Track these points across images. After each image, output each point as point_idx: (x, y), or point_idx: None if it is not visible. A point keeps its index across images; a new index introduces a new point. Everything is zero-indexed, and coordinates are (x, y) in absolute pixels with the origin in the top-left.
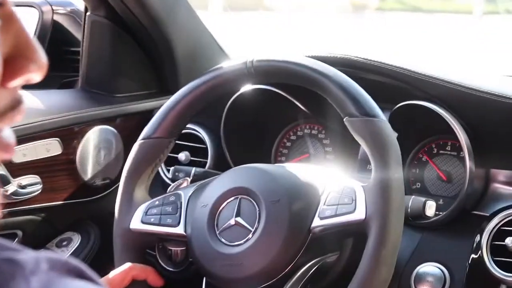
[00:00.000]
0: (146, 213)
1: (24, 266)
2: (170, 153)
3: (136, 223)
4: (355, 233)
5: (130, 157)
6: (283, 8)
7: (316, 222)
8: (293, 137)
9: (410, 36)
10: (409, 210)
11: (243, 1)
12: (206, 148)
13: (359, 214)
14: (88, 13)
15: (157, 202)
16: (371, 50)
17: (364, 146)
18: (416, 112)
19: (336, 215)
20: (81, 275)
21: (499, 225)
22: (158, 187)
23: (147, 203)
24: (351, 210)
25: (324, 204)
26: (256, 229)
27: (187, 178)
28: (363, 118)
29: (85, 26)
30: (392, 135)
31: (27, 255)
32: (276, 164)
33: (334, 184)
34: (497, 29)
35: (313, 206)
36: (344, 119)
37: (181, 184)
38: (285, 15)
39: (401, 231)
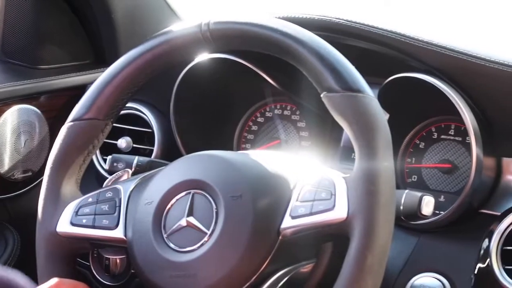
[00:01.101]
0: (76, 213)
1: None
2: (107, 138)
3: (64, 226)
4: (334, 236)
5: (56, 143)
6: None
7: (287, 222)
8: (260, 119)
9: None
10: (401, 207)
11: None
12: (152, 132)
13: (340, 212)
14: None
15: (90, 200)
16: (358, 13)
17: (346, 128)
18: (412, 88)
19: (311, 214)
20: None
21: None
22: (91, 181)
23: (77, 201)
24: (329, 207)
25: (297, 200)
26: (213, 231)
27: (128, 169)
28: (344, 93)
29: None
30: (380, 114)
31: None
32: (237, 152)
33: (309, 176)
34: None
35: (283, 202)
36: (322, 95)
37: (120, 176)
38: None
39: (391, 232)
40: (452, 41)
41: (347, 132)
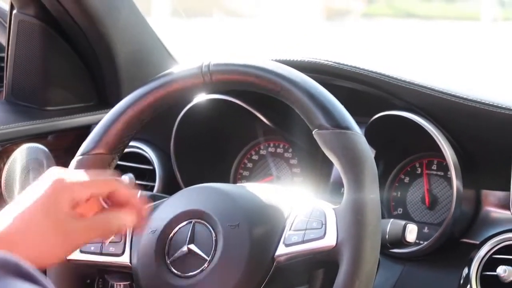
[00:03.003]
0: None
1: None
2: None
3: (73, 252)
4: (325, 262)
5: None
6: (249, 13)
7: (281, 250)
8: (255, 157)
9: (403, 46)
10: (387, 236)
11: (199, 5)
12: (154, 169)
13: (329, 240)
14: (14, 12)
15: None
16: (345, 55)
17: (335, 162)
18: (396, 125)
19: (303, 242)
20: (30, 278)
21: (490, 253)
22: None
23: None
24: (320, 235)
25: (290, 229)
26: (213, 257)
27: None
28: (334, 130)
29: (11, 27)
30: (367, 149)
31: None
32: (235, 184)
33: (301, 207)
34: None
35: (278, 231)
36: (313, 132)
37: None
38: (250, 20)
39: (377, 259)
40: (432, 81)
41: (337, 166)
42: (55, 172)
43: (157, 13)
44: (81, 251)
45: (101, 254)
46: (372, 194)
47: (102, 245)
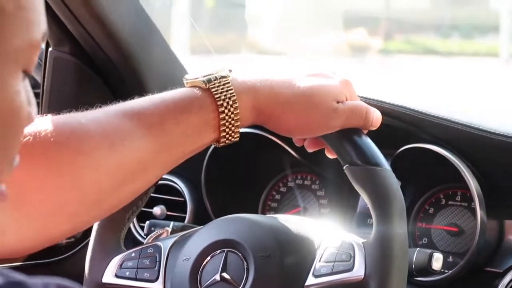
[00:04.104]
0: (120, 266)
1: None
2: (144, 207)
3: (109, 277)
4: None
5: None
6: (282, 51)
7: (311, 280)
8: (282, 189)
9: (421, 83)
10: (413, 265)
11: (232, 42)
12: (185, 201)
13: (358, 272)
14: (50, 49)
15: (133, 254)
16: (370, 91)
17: (364, 197)
18: (421, 157)
19: (332, 273)
20: None
21: None
22: (129, 245)
23: (121, 255)
24: (349, 267)
25: (320, 260)
26: (244, 285)
27: (167, 228)
28: (364, 166)
29: (47, 64)
30: (396, 186)
31: (37, 280)
32: (267, 215)
33: (331, 239)
34: None
35: (308, 262)
36: (344, 167)
37: (160, 234)
38: (279, 59)
39: None
40: (455, 114)
41: (366, 201)
42: None
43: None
44: (117, 276)
45: (135, 279)
46: (400, 229)
47: (137, 270)
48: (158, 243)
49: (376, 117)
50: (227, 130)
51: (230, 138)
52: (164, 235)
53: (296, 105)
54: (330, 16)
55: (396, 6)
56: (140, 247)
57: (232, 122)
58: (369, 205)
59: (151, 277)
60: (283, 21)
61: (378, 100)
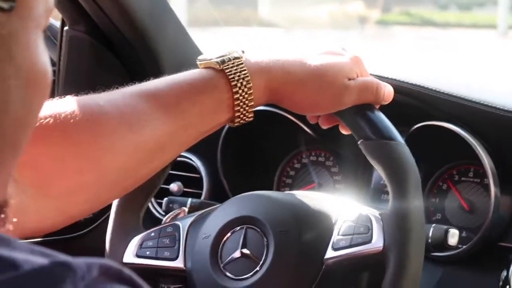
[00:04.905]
0: (141, 245)
1: (76, 271)
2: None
3: (130, 257)
4: (371, 266)
5: None
6: (280, 24)
7: (330, 254)
8: (297, 165)
9: (419, 54)
10: (429, 240)
11: (234, 16)
12: (201, 178)
13: (376, 244)
14: (65, 28)
15: (152, 234)
16: (382, 67)
17: (380, 172)
18: (435, 135)
19: (351, 246)
20: (132, 285)
21: None
22: (147, 222)
23: (141, 235)
24: (367, 240)
25: (338, 234)
26: (265, 261)
27: (184, 207)
28: (379, 140)
29: (62, 43)
30: (411, 159)
31: (80, 260)
32: (284, 192)
33: (348, 213)
34: None
35: (326, 236)
36: (359, 142)
37: (178, 214)
38: (281, 31)
39: (421, 262)
40: (470, 92)
41: (382, 175)
42: None
43: None
44: (137, 255)
45: (156, 258)
46: (417, 201)
47: (157, 249)
48: (177, 222)
49: (387, 92)
50: (241, 110)
51: (244, 118)
52: (181, 214)
53: (309, 84)
54: None
55: None
56: (159, 226)
57: (246, 102)
58: (385, 179)
59: (171, 255)
60: None
61: (390, 77)
